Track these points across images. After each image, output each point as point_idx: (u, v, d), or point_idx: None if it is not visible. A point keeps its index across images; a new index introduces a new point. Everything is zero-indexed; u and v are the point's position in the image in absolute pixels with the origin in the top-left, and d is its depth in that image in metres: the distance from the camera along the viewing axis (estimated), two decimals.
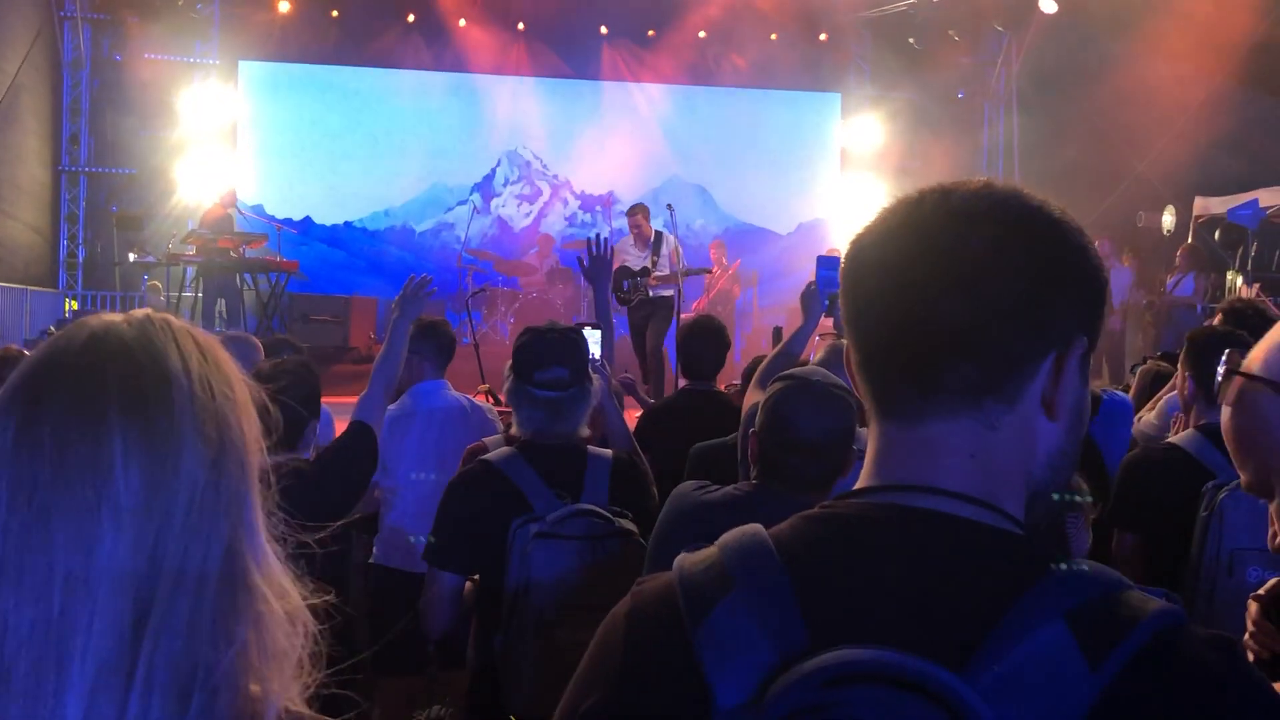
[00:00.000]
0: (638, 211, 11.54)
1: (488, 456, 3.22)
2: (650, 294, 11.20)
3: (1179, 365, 3.86)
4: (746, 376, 4.20)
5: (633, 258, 11.26)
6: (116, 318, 1.10)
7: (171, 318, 1.12)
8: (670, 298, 11.26)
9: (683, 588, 1.04)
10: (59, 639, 0.98)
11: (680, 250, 11.33)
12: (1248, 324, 4.09)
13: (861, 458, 1.14)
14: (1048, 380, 1.05)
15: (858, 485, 1.11)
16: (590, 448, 3.25)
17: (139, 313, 1.12)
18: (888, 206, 1.12)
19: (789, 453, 2.59)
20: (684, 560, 1.08)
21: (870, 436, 1.12)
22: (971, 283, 1.03)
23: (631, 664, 1.06)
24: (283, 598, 1.11)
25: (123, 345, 1.07)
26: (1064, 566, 0.99)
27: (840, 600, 1.01)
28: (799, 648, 0.96)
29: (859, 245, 1.12)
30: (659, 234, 11.37)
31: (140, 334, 1.08)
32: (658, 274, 11.19)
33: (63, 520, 1.00)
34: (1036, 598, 0.96)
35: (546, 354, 3.20)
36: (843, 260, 1.14)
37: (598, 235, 4.70)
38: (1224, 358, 1.54)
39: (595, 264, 4.57)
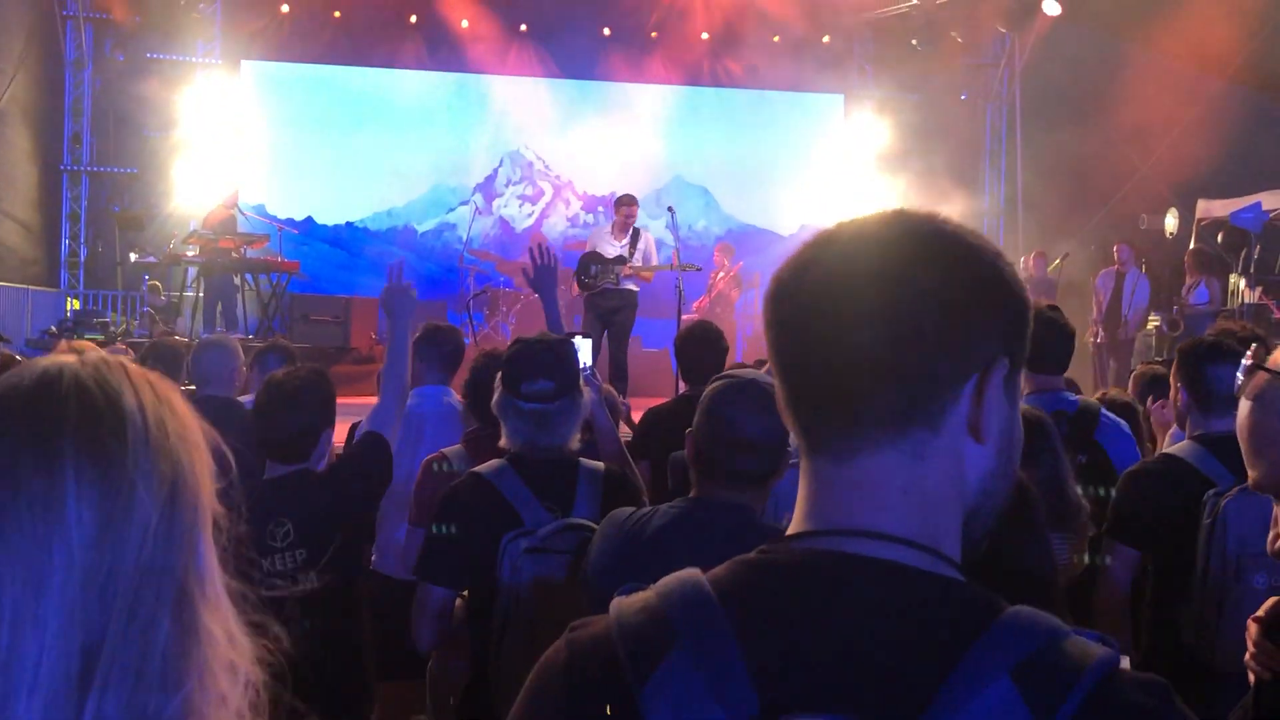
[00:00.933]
0: (634, 203, 11.47)
1: (479, 469, 3.20)
2: (620, 284, 11.07)
3: (1171, 378, 3.84)
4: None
5: (607, 245, 11.15)
6: (70, 358, 1.09)
7: (126, 360, 1.11)
8: (636, 293, 11.21)
9: (623, 640, 1.02)
10: (5, 675, 0.96)
11: (676, 250, 11.30)
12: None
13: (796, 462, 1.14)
14: (971, 403, 1.05)
15: (793, 528, 1.09)
16: (582, 460, 3.22)
17: (94, 354, 1.11)
18: (804, 241, 1.12)
19: (725, 449, 2.58)
20: (621, 607, 1.06)
21: (802, 475, 1.11)
22: (886, 310, 1.03)
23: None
24: (230, 645, 1.09)
25: (77, 382, 1.05)
26: (1006, 616, 0.98)
27: (785, 657, 0.99)
28: (747, 710, 0.96)
29: (777, 282, 1.11)
30: (636, 230, 11.31)
31: (95, 373, 1.07)
32: (634, 265, 11.11)
33: (11, 556, 0.98)
34: (982, 652, 0.95)
35: (533, 366, 3.16)
36: (763, 298, 1.13)
37: (540, 244, 4.62)
38: (1249, 352, 1.54)
39: (541, 273, 4.49)
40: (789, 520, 1.11)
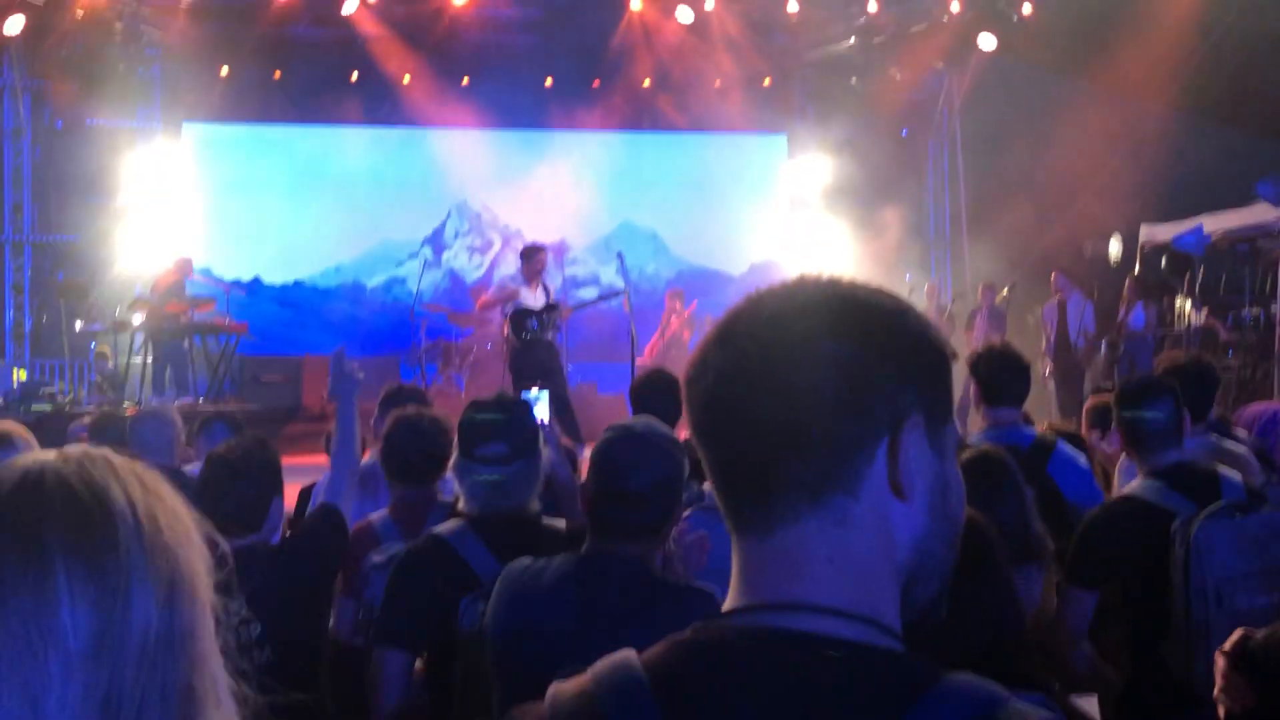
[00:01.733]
0: (545, 250, 11.56)
1: (438, 530, 3.15)
2: (551, 332, 11.11)
3: (1113, 415, 3.86)
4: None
5: (528, 298, 11.13)
6: (51, 454, 1.03)
7: (110, 453, 1.06)
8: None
9: None
10: None
11: (627, 294, 11.37)
12: (1185, 377, 4.15)
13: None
14: (887, 464, 1.03)
15: (727, 604, 1.08)
16: (544, 520, 3.17)
17: (75, 449, 1.06)
18: (715, 321, 1.13)
19: (615, 502, 2.59)
20: (558, 693, 1.06)
21: (734, 551, 1.10)
22: (788, 380, 1.03)
23: None
24: None
25: (61, 481, 1.00)
26: (941, 686, 0.97)
27: None
28: None
29: (690, 365, 1.12)
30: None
31: (79, 470, 1.02)
32: (569, 306, 11.18)
33: (5, 669, 0.92)
34: None
35: (487, 429, 3.12)
36: (683, 378, 1.14)
37: (339, 352, 4.09)
38: None
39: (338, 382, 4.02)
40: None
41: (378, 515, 3.87)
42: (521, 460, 3.12)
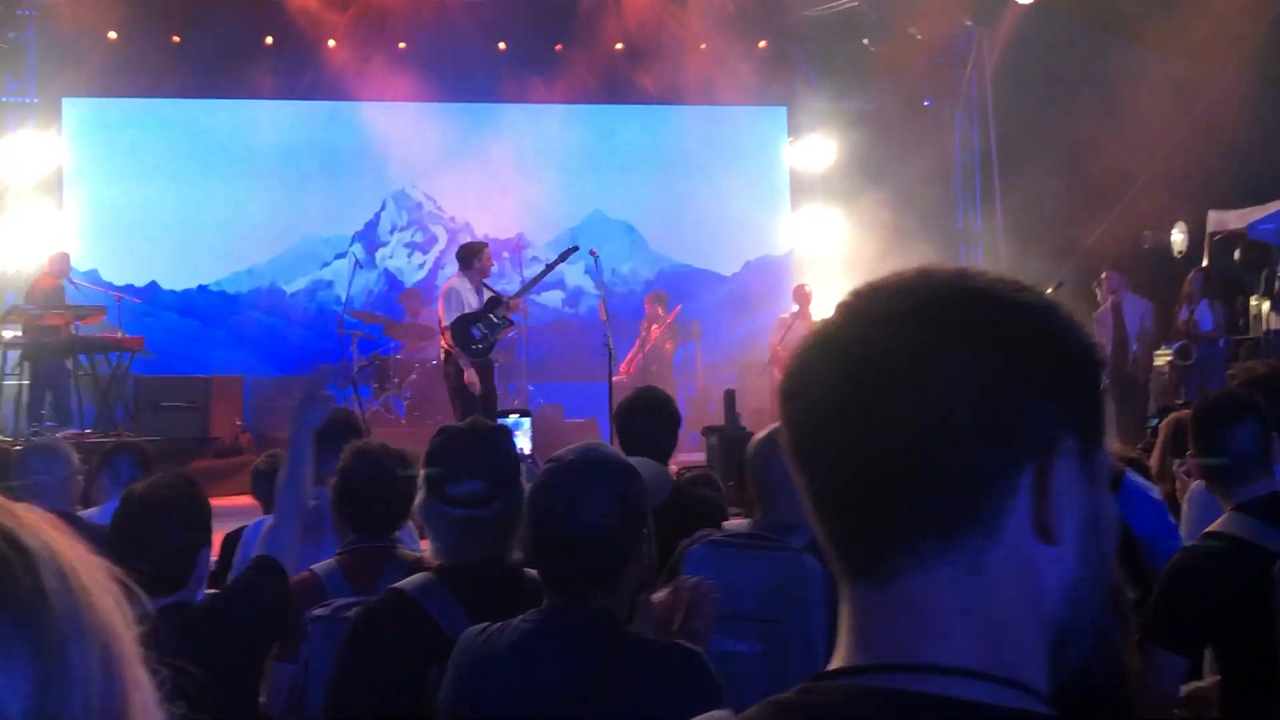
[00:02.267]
0: (488, 246, 11.91)
1: (400, 585, 3.13)
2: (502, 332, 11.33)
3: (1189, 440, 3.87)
4: None
5: (472, 299, 11.31)
6: None
7: None
8: None
9: None
10: None
11: (603, 301, 11.43)
12: (1265, 391, 4.16)
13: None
14: (1032, 499, 1.01)
15: (836, 662, 1.06)
16: (527, 571, 3.16)
17: None
18: (821, 320, 1.11)
19: (554, 551, 2.61)
20: None
21: (843, 601, 1.08)
22: (911, 399, 1.00)
23: None
24: None
25: None
26: None
27: None
28: None
29: (789, 373, 1.10)
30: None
31: None
32: (515, 296, 11.54)
33: None
34: None
35: (459, 462, 3.10)
36: (778, 391, 1.12)
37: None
38: None
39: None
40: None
41: (322, 566, 3.85)
42: (500, 500, 3.10)
